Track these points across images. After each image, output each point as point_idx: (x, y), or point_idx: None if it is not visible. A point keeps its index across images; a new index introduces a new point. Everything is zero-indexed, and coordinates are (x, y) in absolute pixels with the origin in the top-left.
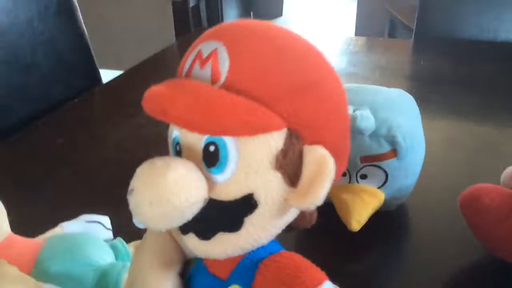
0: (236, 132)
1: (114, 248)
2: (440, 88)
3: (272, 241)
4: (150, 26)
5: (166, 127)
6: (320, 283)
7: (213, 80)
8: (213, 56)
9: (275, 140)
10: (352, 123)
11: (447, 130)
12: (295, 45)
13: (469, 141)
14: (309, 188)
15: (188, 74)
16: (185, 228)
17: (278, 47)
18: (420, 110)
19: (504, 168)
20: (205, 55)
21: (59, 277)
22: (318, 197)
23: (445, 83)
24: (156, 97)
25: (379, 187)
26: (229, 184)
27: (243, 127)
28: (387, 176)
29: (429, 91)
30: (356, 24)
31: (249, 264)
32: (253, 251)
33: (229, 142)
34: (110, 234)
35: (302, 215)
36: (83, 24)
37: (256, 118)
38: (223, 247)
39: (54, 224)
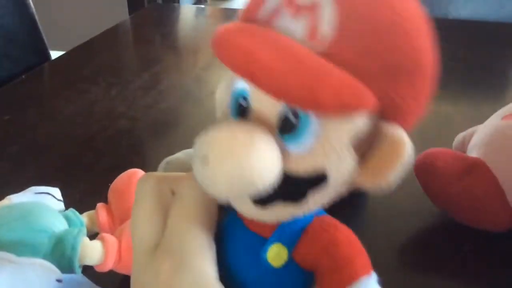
0: (333, 112)
1: (66, 218)
2: None
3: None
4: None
5: (119, 102)
6: (368, 272)
7: (308, 39)
8: (315, 8)
9: (362, 119)
10: None
11: None
12: (410, 17)
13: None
14: (380, 169)
15: (269, 19)
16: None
17: (391, 15)
18: None
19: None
20: (301, 0)
21: (12, 245)
22: (388, 180)
23: None
24: (238, 52)
25: None
26: (303, 157)
27: (340, 108)
28: None
29: None
30: None
31: (294, 225)
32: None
33: (314, 115)
34: (61, 205)
35: None
36: None
37: (355, 100)
38: (277, 214)
39: (1, 199)
